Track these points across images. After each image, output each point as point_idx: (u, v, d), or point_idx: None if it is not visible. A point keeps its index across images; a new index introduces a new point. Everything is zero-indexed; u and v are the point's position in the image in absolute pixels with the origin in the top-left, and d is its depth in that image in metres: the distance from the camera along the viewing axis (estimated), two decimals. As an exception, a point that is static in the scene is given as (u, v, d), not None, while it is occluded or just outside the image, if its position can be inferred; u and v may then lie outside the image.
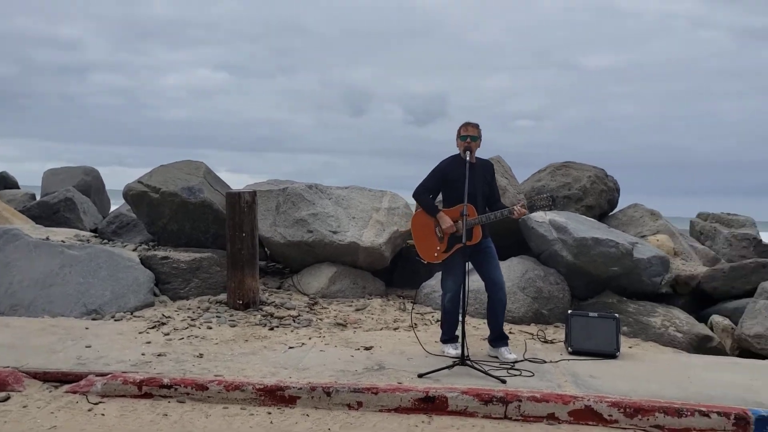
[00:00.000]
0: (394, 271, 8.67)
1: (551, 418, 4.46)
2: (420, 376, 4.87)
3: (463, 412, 4.50)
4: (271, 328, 6.31)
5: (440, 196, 5.67)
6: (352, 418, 4.39)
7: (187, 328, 6.17)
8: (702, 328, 6.99)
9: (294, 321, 6.57)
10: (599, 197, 8.88)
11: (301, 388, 4.60)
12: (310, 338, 6.03)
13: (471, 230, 5.29)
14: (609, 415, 4.43)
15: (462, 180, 5.26)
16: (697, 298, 7.91)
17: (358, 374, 4.92)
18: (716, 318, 7.26)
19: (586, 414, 4.45)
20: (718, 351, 6.76)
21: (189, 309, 6.83)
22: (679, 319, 7.04)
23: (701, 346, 6.76)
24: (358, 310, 7.18)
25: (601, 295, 7.57)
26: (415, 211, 5.92)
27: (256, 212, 6.97)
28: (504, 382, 4.78)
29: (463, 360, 5.04)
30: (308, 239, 7.75)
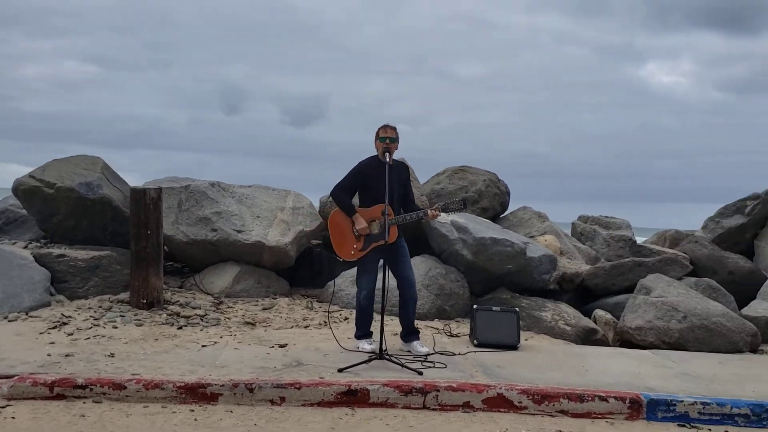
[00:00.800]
0: (297, 271, 8.70)
1: (467, 406, 4.71)
2: (340, 370, 4.98)
3: (384, 404, 4.66)
4: (180, 327, 6.19)
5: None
6: (277, 413, 4.43)
7: (92, 327, 5.94)
8: (588, 322, 7.55)
9: (202, 320, 6.48)
10: (493, 200, 9.35)
11: (223, 385, 4.58)
12: (221, 337, 5.99)
13: (388, 230, 5.46)
14: (519, 402, 4.74)
15: (379, 181, 5.42)
16: (581, 294, 8.54)
17: (278, 371, 4.96)
18: (599, 312, 7.87)
19: (499, 401, 4.74)
20: (602, 342, 7.33)
21: (90, 309, 6.56)
22: (567, 314, 7.58)
23: (587, 338, 7.30)
24: (265, 309, 7.18)
25: (497, 291, 7.99)
26: (328, 210, 6.02)
27: (161, 209, 6.81)
28: (421, 373, 4.99)
29: (381, 354, 5.20)
30: (212, 238, 7.65)
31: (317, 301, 7.78)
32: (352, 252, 5.60)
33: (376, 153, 5.70)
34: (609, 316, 7.76)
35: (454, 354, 5.74)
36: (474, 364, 5.47)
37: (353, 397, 4.65)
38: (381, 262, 5.65)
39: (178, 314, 6.56)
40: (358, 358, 5.24)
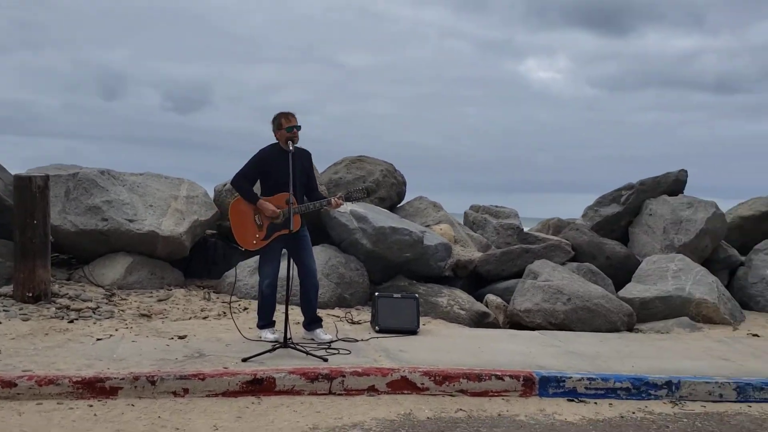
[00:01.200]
0: (192, 262, 8.51)
1: (372, 390, 4.82)
2: (244, 360, 4.95)
3: (291, 391, 4.69)
4: (71, 321, 5.92)
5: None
6: (180, 405, 4.36)
7: (-29, 324, 5.58)
8: (480, 306, 7.87)
9: (94, 313, 6.22)
10: (390, 190, 9.52)
11: (123, 378, 4.45)
12: (117, 330, 5.78)
13: (290, 218, 5.47)
14: (422, 384, 4.90)
15: (281, 169, 5.42)
16: (474, 280, 8.88)
17: (180, 362, 4.86)
18: (490, 297, 8.22)
19: (402, 384, 4.88)
20: (494, 325, 7.67)
21: (-32, 304, 6.14)
22: (461, 299, 7.87)
23: (480, 321, 7.62)
24: (161, 300, 6.98)
25: (395, 279, 8.17)
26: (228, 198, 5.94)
27: (48, 198, 6.47)
28: (326, 360, 5.05)
29: (285, 342, 5.21)
30: (103, 228, 7.34)
31: (214, 292, 7.65)
32: (255, 242, 5.57)
33: (276, 141, 5.67)
34: (500, 300, 8.12)
35: (357, 340, 5.84)
36: (377, 349, 5.59)
37: (259, 386, 4.64)
38: (283, 251, 5.65)
39: (68, 307, 6.27)
40: (262, 348, 5.22)
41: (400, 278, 8.17)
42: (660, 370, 5.47)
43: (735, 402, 5.21)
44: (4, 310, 5.98)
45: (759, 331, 7.90)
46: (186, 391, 4.52)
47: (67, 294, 6.64)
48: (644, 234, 10.10)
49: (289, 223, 5.32)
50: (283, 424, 4.15)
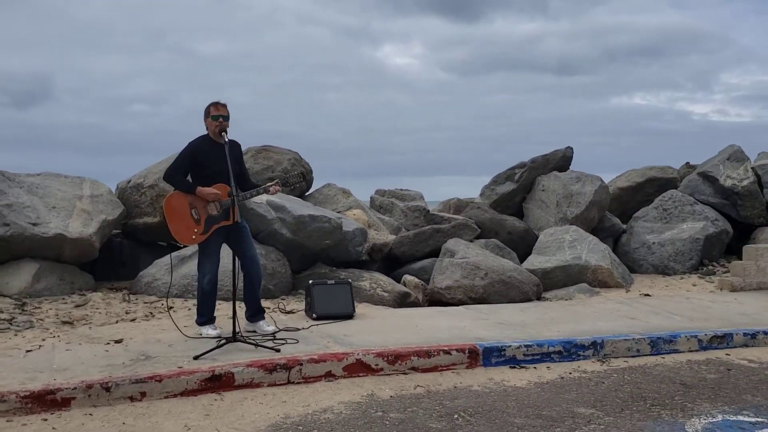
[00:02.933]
0: (98, 264, 8.11)
1: (329, 375, 4.89)
2: (196, 358, 4.85)
3: (250, 384, 4.66)
4: (-12, 335, 5.51)
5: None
6: (141, 409, 4.22)
7: None
8: (401, 287, 8.10)
9: (11, 324, 5.82)
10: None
11: (75, 388, 4.24)
12: (44, 339, 5.45)
13: (229, 210, 5.39)
14: (376, 365, 5.03)
15: (214, 161, 5.34)
16: (389, 262, 9.10)
17: (128, 366, 4.69)
18: (408, 277, 8.46)
19: (357, 367, 4.98)
20: (416, 304, 7.93)
21: None
22: (383, 281, 8.05)
23: (403, 301, 7.85)
24: (78, 306, 6.63)
25: (315, 266, 8.22)
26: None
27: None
28: (278, 351, 5.05)
29: (234, 336, 5.15)
30: (5, 234, 6.84)
31: (131, 293, 7.35)
32: (193, 236, 5.44)
33: (206, 132, 5.55)
34: (417, 279, 8.38)
35: (299, 329, 5.86)
36: (323, 336, 5.65)
37: (218, 382, 4.58)
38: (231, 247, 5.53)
39: (-22, 321, 5.82)
40: (207, 345, 5.12)
41: (319, 266, 8.23)
42: (583, 332, 5.92)
43: (651, 355, 5.75)
44: None
45: (648, 291, 8.70)
46: (143, 394, 4.38)
47: (-27, 307, 6.16)
48: (538, 209, 10.74)
49: (230, 215, 5.23)
50: (254, 417, 4.14)
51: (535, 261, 9.15)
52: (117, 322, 6.19)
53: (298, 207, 8.00)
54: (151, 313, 6.41)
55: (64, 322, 6.01)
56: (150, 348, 5.22)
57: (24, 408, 4.09)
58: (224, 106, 5.52)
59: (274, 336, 5.54)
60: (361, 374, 4.97)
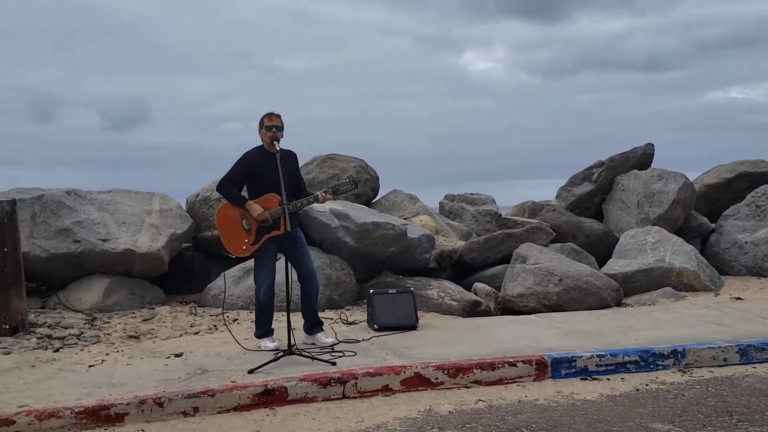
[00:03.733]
0: (169, 277, 8.22)
1: (386, 389, 4.69)
2: (251, 371, 4.76)
3: (304, 399, 4.52)
4: (56, 350, 5.62)
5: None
6: (193, 425, 4.15)
7: (-50, 364, 5.23)
8: (471, 295, 7.81)
9: (79, 339, 5.93)
10: (365, 185, 9.39)
11: (128, 404, 4.21)
12: (107, 354, 5.51)
13: (279, 219, 5.30)
14: (436, 378, 4.79)
15: (268, 171, 5.25)
16: (459, 269, 8.83)
17: (184, 381, 4.65)
18: (479, 285, 8.16)
19: (416, 380, 4.76)
20: (487, 313, 7.62)
21: (-58, 343, 5.77)
22: (451, 290, 7.79)
23: (473, 310, 7.56)
24: (146, 320, 6.71)
25: (380, 275, 8.05)
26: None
27: (17, 223, 6.13)
28: (334, 364, 4.89)
29: (290, 349, 5.04)
30: (76, 250, 7.01)
31: (198, 306, 7.40)
32: (244, 247, 5.37)
33: (261, 143, 5.49)
34: (488, 287, 8.07)
35: (359, 341, 5.70)
36: (382, 348, 5.46)
37: (271, 397, 4.46)
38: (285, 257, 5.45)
39: (50, 336, 5.96)
40: (264, 358, 5.03)
41: (386, 274, 8.05)
42: (663, 340, 5.49)
43: (740, 365, 5.26)
44: (-19, 345, 5.65)
45: (740, 294, 8.05)
46: (196, 409, 4.31)
47: (46, 323, 6.31)
48: (618, 210, 10.20)
49: (280, 224, 5.14)
50: (304, 433, 3.99)
51: (615, 265, 8.66)
52: (181, 335, 6.21)
53: (361, 214, 7.87)
54: (215, 326, 6.41)
55: (130, 337, 6.08)
56: (208, 362, 5.17)
57: (79, 424, 4.09)
58: (278, 116, 5.45)
59: (333, 348, 5.40)
60: (420, 388, 4.74)
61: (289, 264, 5.25)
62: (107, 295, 7.11)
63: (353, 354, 5.23)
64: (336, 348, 5.42)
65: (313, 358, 4.98)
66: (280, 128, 5.42)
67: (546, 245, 8.80)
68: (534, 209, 10.70)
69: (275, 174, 5.23)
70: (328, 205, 7.96)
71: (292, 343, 5.08)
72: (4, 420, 3.98)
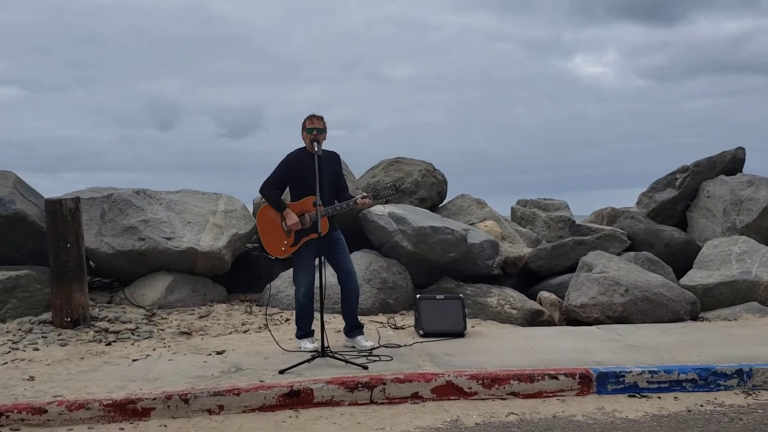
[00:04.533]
0: (235, 276, 8.38)
1: (415, 396, 4.54)
2: (281, 372, 4.74)
3: (330, 402, 4.44)
4: (108, 344, 5.82)
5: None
6: (215, 423, 4.16)
7: (9, 352, 5.51)
8: (533, 304, 7.50)
9: (133, 334, 6.12)
10: (430, 189, 9.23)
11: (155, 399, 4.28)
12: (154, 349, 5.65)
13: (317, 222, 5.26)
14: (469, 388, 4.59)
15: (309, 172, 5.21)
16: (525, 277, 8.51)
17: (216, 378, 4.68)
18: (544, 293, 7.83)
19: (448, 389, 4.58)
20: (549, 323, 7.29)
21: (8, 332, 6.10)
22: (513, 297, 7.51)
23: (534, 320, 7.25)
24: (201, 317, 6.85)
25: (440, 281, 7.86)
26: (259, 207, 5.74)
27: (80, 220, 6.40)
28: (366, 368, 4.79)
29: (323, 351, 4.98)
30: (140, 247, 7.26)
31: (257, 305, 7.49)
32: (283, 248, 5.38)
33: (303, 145, 5.48)
34: (554, 296, 7.73)
35: (400, 346, 5.57)
36: (421, 354, 5.30)
37: (296, 398, 4.41)
38: (319, 258, 5.42)
39: (106, 330, 6.18)
40: (301, 359, 4.99)
41: (446, 280, 7.86)
42: (729, 359, 5.04)
43: (818, 390, 4.75)
44: (42, 336, 5.93)
45: (839, 313, 7.31)
46: (221, 407, 4.32)
47: (107, 317, 6.56)
48: (703, 218, 9.55)
49: (317, 227, 5.10)
50: (320, 437, 3.91)
51: (695, 276, 8.08)
52: (230, 333, 6.28)
53: (420, 218, 7.72)
54: (265, 325, 6.44)
55: (182, 333, 6.21)
56: (246, 360, 5.19)
57: (107, 416, 4.18)
58: (319, 118, 5.42)
59: (371, 352, 5.29)
60: (452, 397, 4.56)
61: (324, 265, 5.19)
62: (169, 292, 7.32)
63: (389, 359, 5.11)
64: (375, 352, 5.32)
65: (346, 361, 4.90)
66: (321, 131, 5.38)
67: (619, 254, 8.34)
68: (612, 216, 10.19)
69: (314, 176, 5.20)
70: (387, 209, 7.87)
71: (326, 345, 5.02)
72: (37, 409, 4.13)
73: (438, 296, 6.16)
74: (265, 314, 6.41)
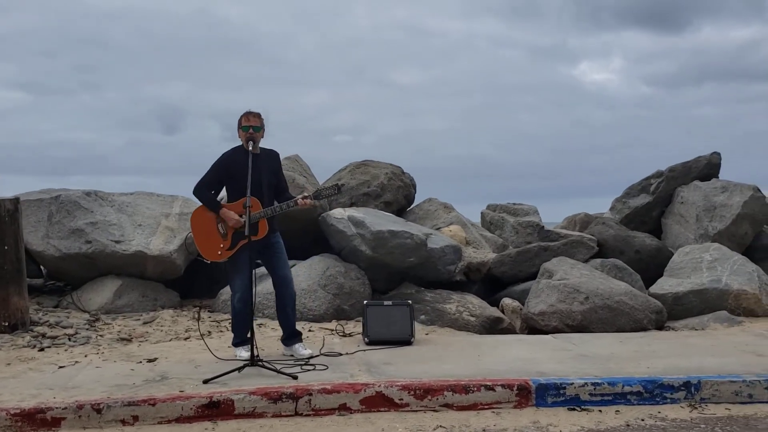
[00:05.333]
0: (190, 280, 8.15)
1: (343, 408, 4.32)
2: (205, 382, 4.52)
3: (252, 414, 4.23)
4: (41, 349, 5.61)
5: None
6: (127, 435, 3.95)
7: (-66, 358, 5.31)
8: (493, 311, 7.29)
9: (69, 339, 5.90)
10: (396, 193, 9.02)
11: (66, 408, 4.06)
12: (86, 356, 5.44)
13: (256, 224, 5.06)
14: (400, 399, 4.38)
15: (245, 172, 5.00)
16: (490, 283, 8.30)
17: (136, 387, 4.46)
18: (506, 300, 7.63)
19: (378, 400, 4.36)
20: (509, 331, 7.08)
21: (-59, 337, 5.89)
22: (472, 304, 7.30)
23: (493, 327, 7.04)
24: (145, 323, 6.63)
25: (401, 286, 7.65)
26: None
27: (19, 222, 6.19)
28: (296, 378, 4.57)
29: (252, 360, 4.77)
30: (87, 251, 7.04)
31: (209, 311, 7.28)
32: (219, 252, 5.17)
33: (240, 143, 5.28)
34: (516, 303, 7.52)
35: (341, 354, 5.35)
36: (359, 363, 5.09)
37: (216, 410, 4.20)
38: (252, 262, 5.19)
39: (44, 335, 5.97)
40: (231, 368, 4.77)
41: (407, 285, 7.65)
42: (679, 370, 4.83)
43: (766, 403, 4.54)
44: (-25, 342, 5.72)
45: (810, 323, 7.10)
46: (135, 418, 4.11)
47: (47, 321, 6.35)
48: (677, 224, 9.35)
49: (253, 229, 4.89)
50: (231, 452, 3.70)
51: (664, 284, 7.87)
52: (171, 340, 6.07)
53: (379, 222, 7.51)
54: (209, 332, 6.24)
55: (121, 339, 5.99)
56: (175, 369, 4.98)
57: (14, 426, 3.98)
58: (256, 116, 5.22)
59: (307, 361, 5.08)
60: (381, 409, 4.35)
61: (253, 271, 4.99)
62: (117, 297, 7.10)
63: (325, 368, 4.89)
64: (314, 361, 5.10)
65: (277, 371, 4.69)
66: (258, 128, 5.18)
67: (586, 261, 8.13)
68: (586, 221, 10.01)
69: (253, 175, 5.00)
70: (347, 212, 7.68)
71: (256, 354, 4.81)
72: (-63, 418, 3.92)
73: (386, 302, 5.95)
74: (197, 322, 6.17)
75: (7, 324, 6.06)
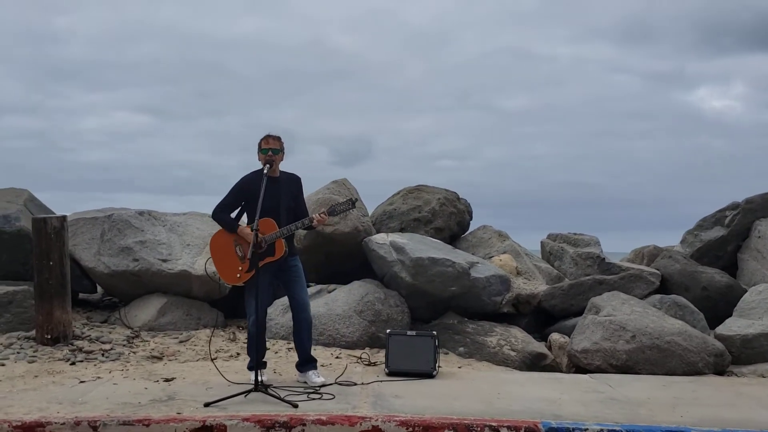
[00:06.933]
0: (238, 301, 8.23)
1: (337, 441, 4.19)
2: (206, 405, 4.51)
3: (244, 441, 4.17)
4: (73, 363, 5.80)
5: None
6: (117, 454, 3.98)
7: (-26, 366, 5.58)
8: (537, 346, 6.94)
9: (102, 355, 6.07)
10: (448, 219, 8.81)
11: (64, 423, 4.15)
12: (110, 372, 5.57)
13: (273, 245, 5.05)
14: (397, 435, 4.20)
15: (265, 195, 5.01)
16: (540, 317, 7.92)
17: (141, 406, 4.51)
18: (554, 336, 7.25)
19: (374, 435, 4.21)
20: (552, 368, 6.72)
21: (-7, 346, 6.20)
22: (516, 338, 6.98)
23: (535, 363, 6.70)
24: (181, 342, 6.72)
25: (444, 316, 7.44)
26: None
27: (65, 238, 6.46)
28: (296, 406, 4.48)
29: (256, 386, 4.71)
30: (133, 268, 7.26)
31: (230, 330, 7.30)
32: (238, 275, 5.17)
33: (261, 167, 5.29)
34: (564, 339, 7.12)
35: (356, 384, 5.21)
36: (369, 394, 4.93)
37: (208, 434, 4.17)
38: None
39: (80, 349, 6.16)
40: (237, 392, 4.73)
41: (450, 315, 7.42)
42: (718, 422, 4.38)
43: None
44: (16, 352, 5.98)
45: None
46: (130, 438, 4.14)
47: (89, 336, 6.57)
48: (753, 260, 8.63)
49: (275, 250, 4.88)
50: (208, 479, 3.63)
51: (732, 325, 7.24)
52: (198, 360, 6.12)
53: (420, 248, 7.33)
54: (238, 353, 6.25)
55: (152, 357, 6.11)
56: (186, 389, 5.00)
57: (14, 438, 4.09)
58: (276, 139, 5.23)
59: (317, 389, 4.97)
60: (377, 444, 4.18)
61: (260, 295, 4.95)
62: (161, 314, 7.26)
63: (331, 397, 4.78)
64: (326, 389, 5.00)
65: (279, 398, 4.61)
66: (277, 151, 5.19)
67: (644, 296, 7.62)
68: (654, 255, 9.41)
69: (271, 198, 5.02)
70: (390, 237, 7.56)
71: (261, 380, 4.76)
72: (-56, 426, 4.09)
73: (409, 333, 5.76)
74: (209, 345, 6.19)
75: (49, 336, 6.30)
